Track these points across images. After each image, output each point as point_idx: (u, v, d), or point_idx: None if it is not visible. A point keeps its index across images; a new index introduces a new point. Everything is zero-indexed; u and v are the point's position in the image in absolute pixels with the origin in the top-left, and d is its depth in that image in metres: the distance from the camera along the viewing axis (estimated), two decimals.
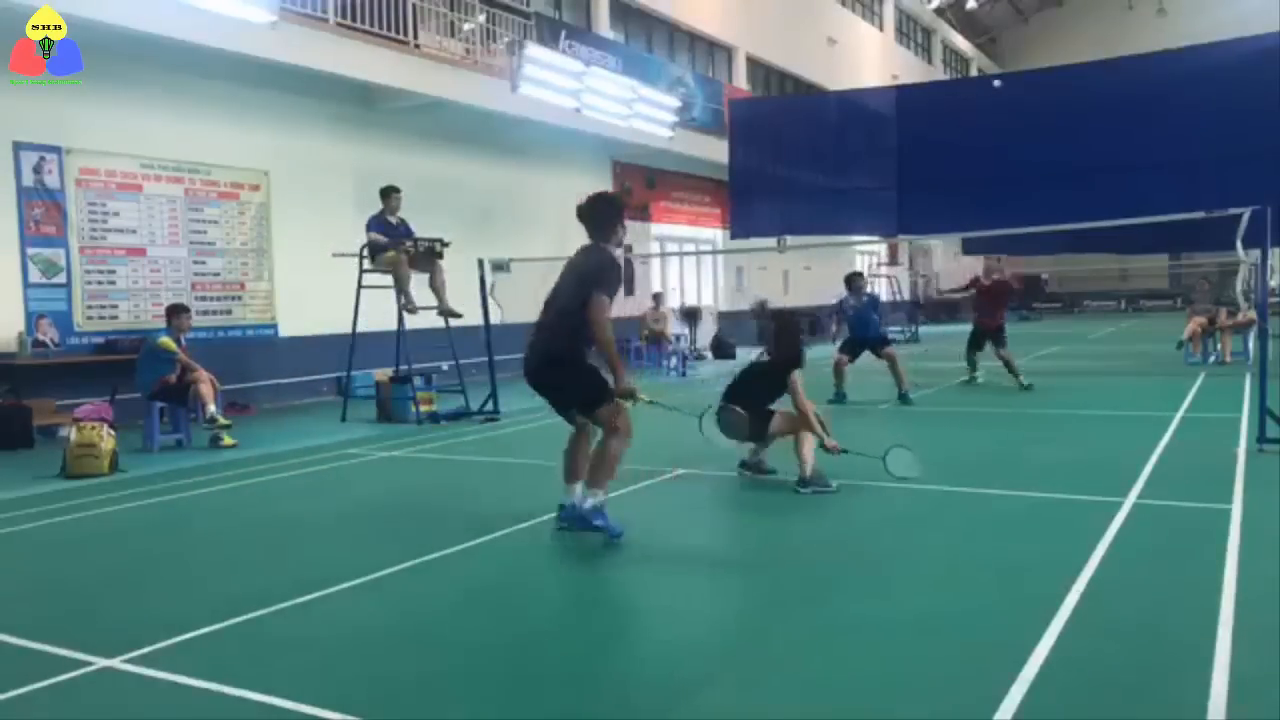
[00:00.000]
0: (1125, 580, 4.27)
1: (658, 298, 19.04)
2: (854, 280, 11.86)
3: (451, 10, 14.77)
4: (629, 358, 18.58)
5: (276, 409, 12.29)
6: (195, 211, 11.99)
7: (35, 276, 10.39)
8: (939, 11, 40.73)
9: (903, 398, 10.92)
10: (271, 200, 12.87)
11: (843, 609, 4.10)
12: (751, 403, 6.52)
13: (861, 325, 11.51)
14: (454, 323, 11.06)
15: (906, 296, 29.79)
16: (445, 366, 11.90)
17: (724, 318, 23.06)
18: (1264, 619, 3.67)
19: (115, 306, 11.14)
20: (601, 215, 5.21)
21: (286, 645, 3.82)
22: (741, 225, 14.89)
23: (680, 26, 23.07)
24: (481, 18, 15.26)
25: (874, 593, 4.31)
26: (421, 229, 11.19)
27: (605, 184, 19.79)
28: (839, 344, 11.72)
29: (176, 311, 9.62)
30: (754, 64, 26.26)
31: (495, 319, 11.11)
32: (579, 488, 5.26)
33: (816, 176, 14.37)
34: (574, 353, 5.06)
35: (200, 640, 3.82)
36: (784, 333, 6.70)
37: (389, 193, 10.99)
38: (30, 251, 10.33)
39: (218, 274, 12.29)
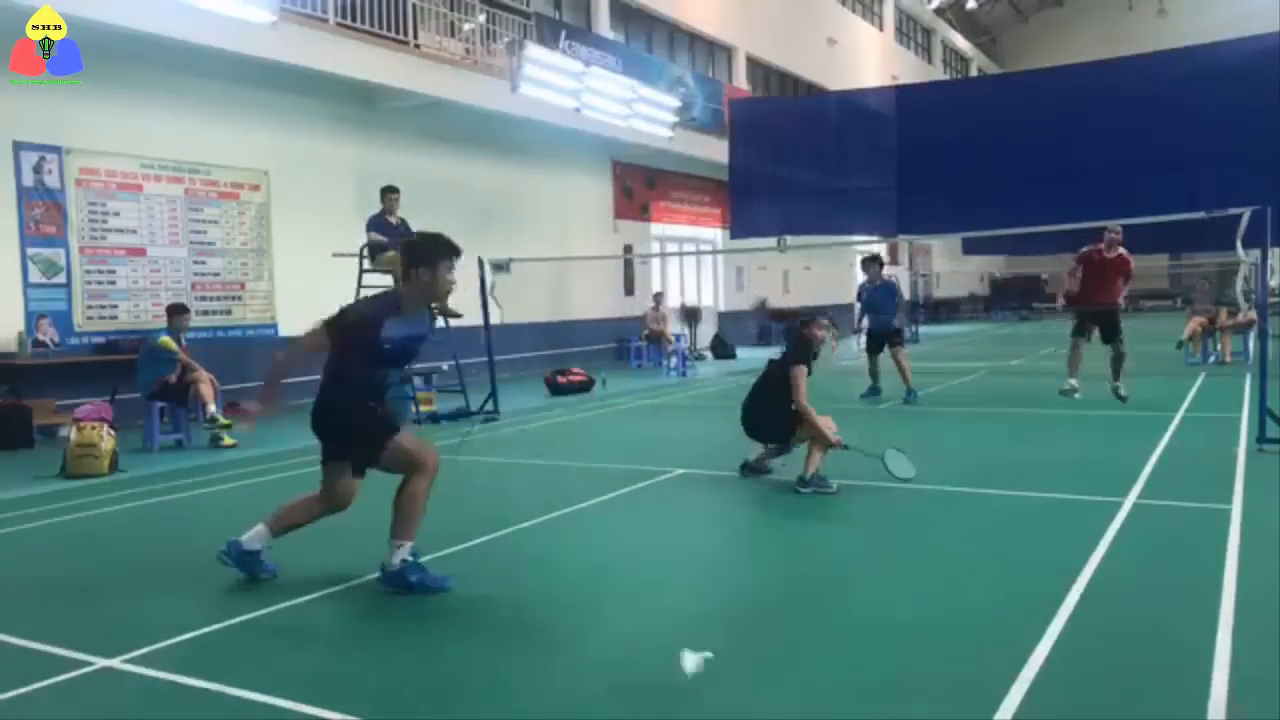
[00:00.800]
0: (1125, 580, 4.27)
1: (658, 298, 19.04)
2: (868, 264, 11.86)
3: (451, 10, 14.77)
4: (629, 357, 18.61)
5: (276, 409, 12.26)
6: (195, 211, 11.99)
7: (35, 276, 10.38)
8: (939, 11, 40.74)
9: (909, 396, 10.98)
10: (271, 200, 12.86)
11: (843, 609, 4.10)
12: (773, 402, 6.58)
13: (874, 311, 11.53)
14: (454, 322, 11.07)
15: (906, 296, 29.77)
16: (445, 366, 11.89)
17: (724, 318, 23.08)
18: (1264, 619, 3.67)
19: (115, 306, 11.14)
20: (410, 255, 4.54)
21: (287, 645, 3.82)
22: (741, 225, 14.89)
23: (680, 26, 23.07)
24: (481, 18, 15.26)
25: (874, 593, 4.31)
26: (421, 229, 11.14)
27: (605, 184, 19.82)
28: (863, 341, 11.83)
29: (176, 311, 9.62)
30: (754, 64, 26.25)
31: (495, 319, 11.11)
32: (266, 533, 4.60)
33: (816, 176, 14.37)
34: (341, 397, 4.47)
35: (200, 640, 3.82)
36: (790, 331, 6.77)
37: (387, 192, 11.01)
38: (30, 251, 10.33)
39: (218, 274, 12.29)
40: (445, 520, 5.90)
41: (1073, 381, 10.34)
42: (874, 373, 11.59)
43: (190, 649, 3.73)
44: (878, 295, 11.65)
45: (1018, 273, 39.73)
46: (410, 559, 4.33)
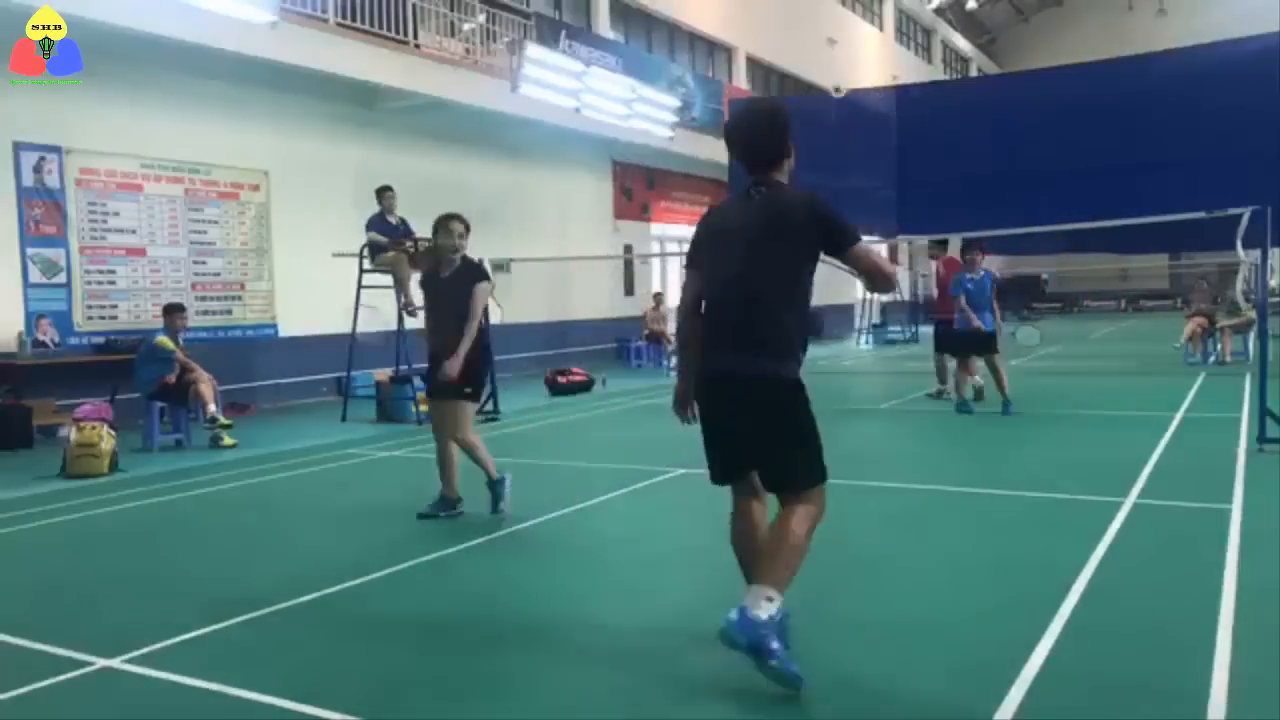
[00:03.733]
0: (1125, 580, 4.27)
1: (658, 298, 19.05)
2: (968, 251, 10.83)
3: (451, 10, 14.77)
4: (629, 357, 18.60)
5: (276, 409, 12.29)
6: (195, 211, 11.99)
7: (35, 276, 10.38)
8: (939, 11, 40.71)
9: (1005, 408, 9.73)
10: (271, 200, 12.86)
11: (842, 609, 4.10)
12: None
13: (977, 307, 10.20)
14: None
15: (906, 297, 29.75)
16: None
17: None
18: (1264, 619, 3.67)
19: (115, 306, 11.14)
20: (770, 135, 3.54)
21: (286, 645, 3.82)
22: None
23: (680, 26, 23.06)
24: (481, 18, 15.26)
25: (873, 593, 4.31)
26: (422, 229, 11.15)
27: (605, 184, 19.82)
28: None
29: (172, 311, 9.61)
30: (754, 64, 26.25)
31: (495, 319, 11.09)
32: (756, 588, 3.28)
33: (815, 176, 14.25)
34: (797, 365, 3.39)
35: (200, 640, 3.82)
36: None
37: (384, 192, 11.01)
38: (30, 251, 10.33)
39: (218, 274, 12.29)
40: (445, 520, 5.91)
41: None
42: (960, 382, 10.29)
43: (190, 649, 3.72)
44: (984, 289, 10.40)
45: (1018, 273, 39.69)
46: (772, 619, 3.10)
